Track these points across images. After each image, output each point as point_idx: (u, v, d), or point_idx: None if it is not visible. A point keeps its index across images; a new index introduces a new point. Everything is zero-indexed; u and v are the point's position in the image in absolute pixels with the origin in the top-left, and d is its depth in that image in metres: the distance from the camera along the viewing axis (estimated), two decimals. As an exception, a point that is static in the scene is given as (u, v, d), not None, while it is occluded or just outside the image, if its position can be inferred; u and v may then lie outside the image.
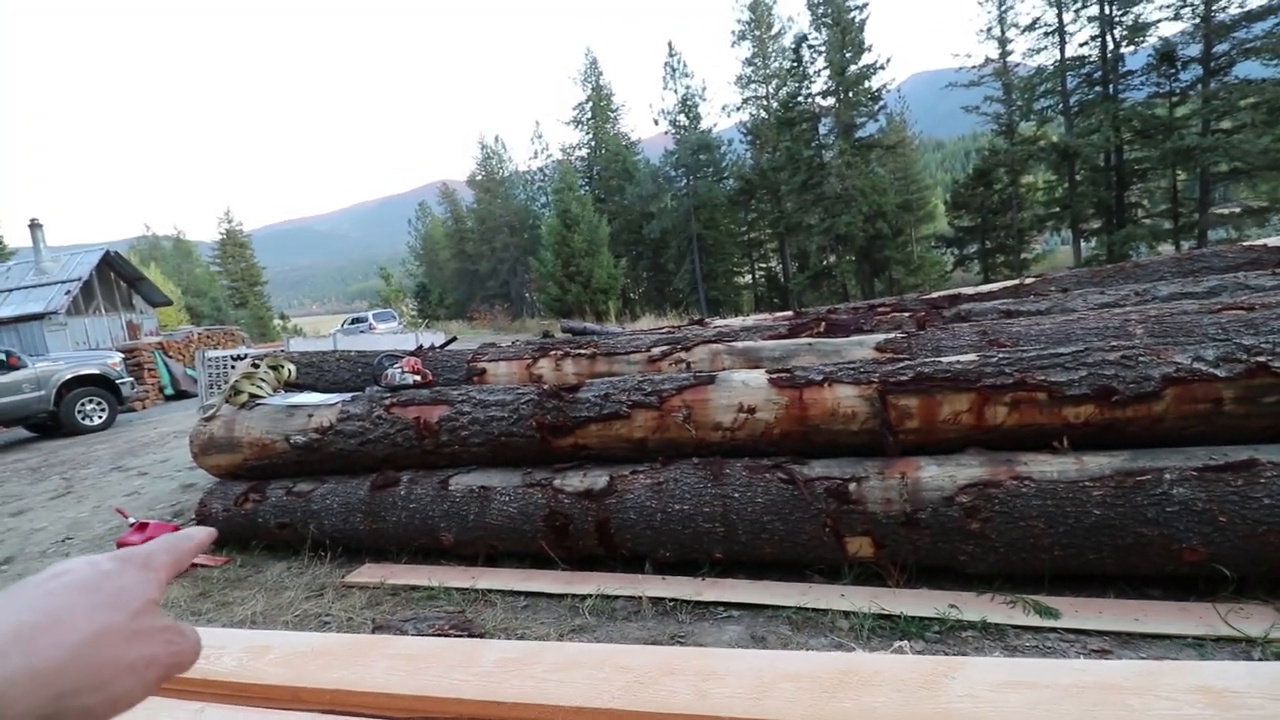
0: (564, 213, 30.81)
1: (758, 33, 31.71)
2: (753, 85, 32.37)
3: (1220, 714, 1.02)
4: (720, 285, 34.12)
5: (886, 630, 2.33)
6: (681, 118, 33.72)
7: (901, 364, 2.90)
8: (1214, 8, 18.84)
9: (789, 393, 2.95)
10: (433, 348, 5.64)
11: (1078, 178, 20.99)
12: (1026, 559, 2.41)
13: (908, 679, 0.69)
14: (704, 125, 33.86)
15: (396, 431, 3.57)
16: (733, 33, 32.39)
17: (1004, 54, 23.55)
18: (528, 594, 2.91)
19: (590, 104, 38.11)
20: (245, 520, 3.82)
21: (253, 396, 4.17)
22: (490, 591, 2.95)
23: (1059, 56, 21.84)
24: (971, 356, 2.80)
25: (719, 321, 6.72)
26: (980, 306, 4.46)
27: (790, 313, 6.65)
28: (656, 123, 35.08)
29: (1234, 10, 18.66)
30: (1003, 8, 23.46)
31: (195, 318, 38.59)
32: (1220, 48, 18.81)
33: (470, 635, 2.49)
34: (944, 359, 2.86)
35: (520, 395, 3.42)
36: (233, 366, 6.81)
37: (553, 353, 4.48)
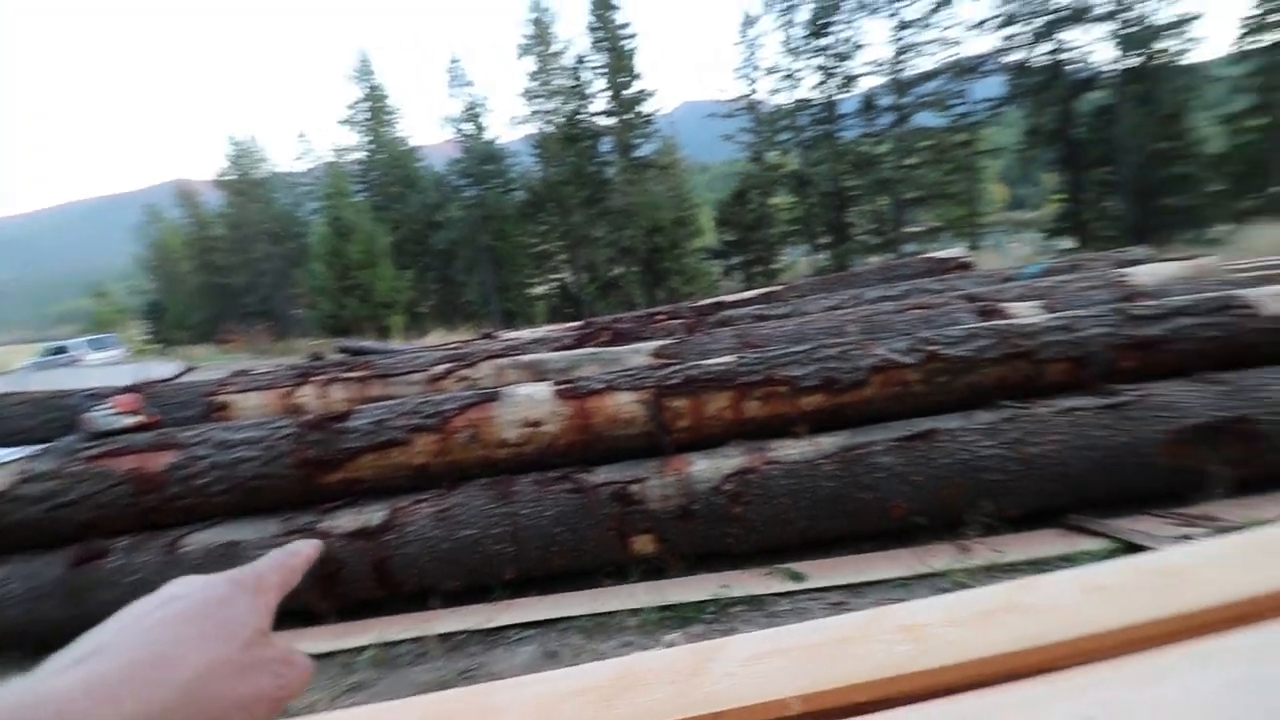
0: (336, 220, 27.98)
1: (541, 49, 32.12)
2: (538, 100, 32.69)
3: (917, 645, 1.25)
4: (514, 297, 33.78)
5: (671, 620, 2.48)
6: (468, 125, 32.77)
7: (674, 368, 3.13)
8: (899, 68, 23.72)
9: (574, 403, 3.00)
10: (161, 381, 4.70)
11: (812, 200, 24.91)
12: (780, 533, 2.75)
13: (678, 670, 0.73)
14: (493, 135, 33.32)
15: (105, 489, 2.90)
16: (518, 46, 32.40)
17: (753, 92, 26.97)
18: (293, 656, 2.55)
19: (368, 104, 35.19)
20: None
21: None
22: (244, 662, 2.53)
23: (793, 98, 25.69)
24: (730, 358, 3.13)
25: (509, 334, 6.63)
26: (738, 312, 5.01)
27: (580, 323, 6.82)
28: (443, 129, 33.66)
29: (912, 72, 23.69)
30: (750, 52, 26.86)
31: None
32: (905, 100, 23.73)
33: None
34: (708, 361, 3.16)
35: (276, 429, 3.01)
36: None
37: (317, 378, 4.01)
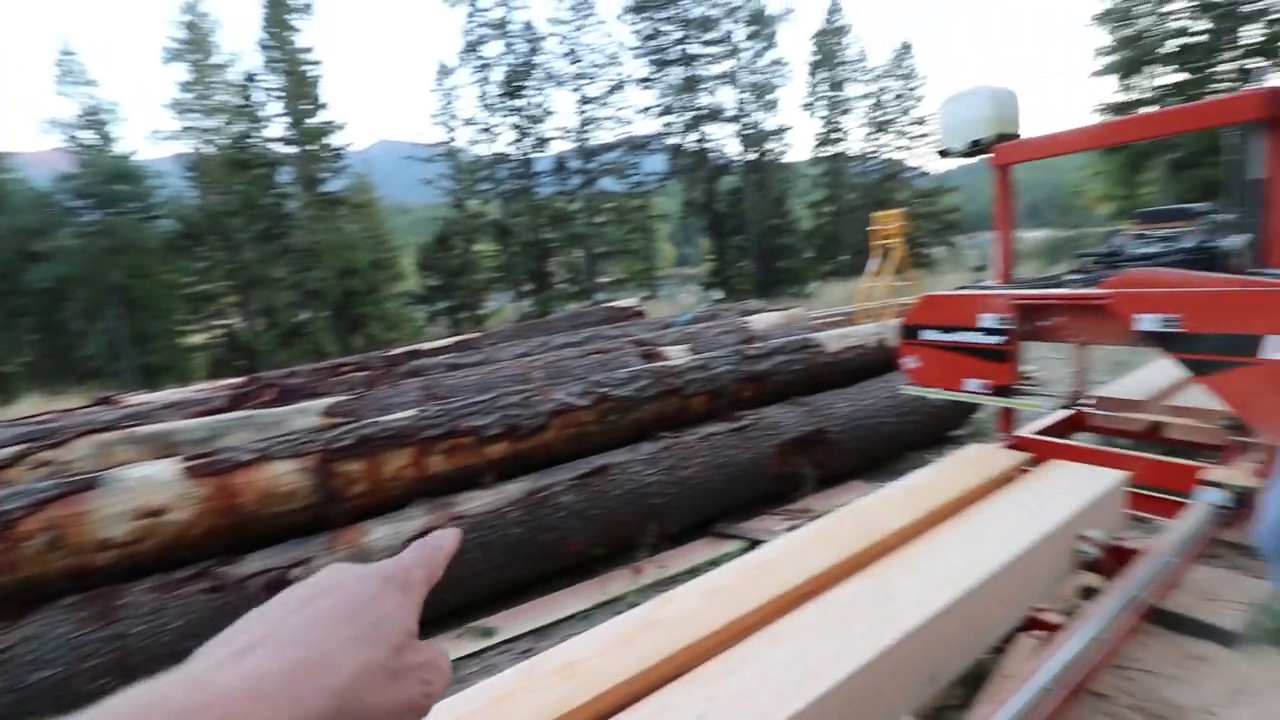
0: None
1: (197, 57, 27.07)
2: (193, 115, 27.32)
3: (573, 683, 1.31)
4: (160, 348, 27.03)
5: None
6: (88, 134, 25.54)
7: (346, 428, 2.85)
8: (584, 136, 26.40)
9: (212, 481, 2.51)
10: None
11: (514, 250, 25.82)
12: (470, 589, 2.68)
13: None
14: (126, 149, 26.52)
15: None
16: (165, 49, 26.67)
17: (451, 139, 26.98)
18: None
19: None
20: None
21: None
22: None
23: (491, 151, 26.48)
24: (412, 411, 2.99)
25: (138, 398, 5.33)
26: (432, 361, 4.85)
27: (243, 380, 5.80)
28: (47, 134, 25.55)
29: (595, 142, 26.59)
30: (448, 100, 26.92)
31: None
32: (591, 165, 26.42)
33: None
34: (387, 417, 2.96)
35: None
36: None
37: None
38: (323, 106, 26.04)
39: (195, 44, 27.49)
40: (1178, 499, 2.23)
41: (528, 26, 25.57)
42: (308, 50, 25.91)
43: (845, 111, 29.42)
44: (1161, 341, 1.98)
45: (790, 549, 1.79)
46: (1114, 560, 1.87)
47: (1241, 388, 1.87)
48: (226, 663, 0.27)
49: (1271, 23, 19.36)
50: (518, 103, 26.16)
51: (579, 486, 2.91)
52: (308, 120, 25.67)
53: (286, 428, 3.21)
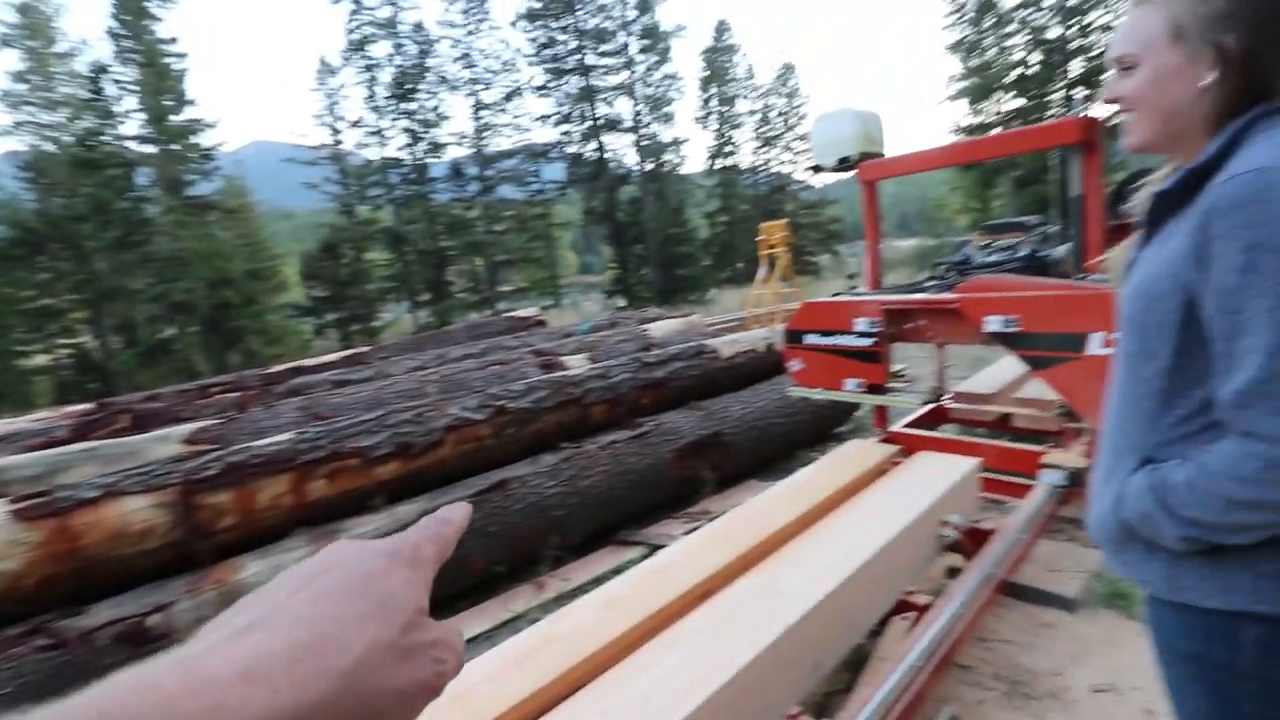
0: None
1: (34, 44, 23.77)
2: (29, 109, 23.95)
3: (464, 711, 1.26)
4: (-12, 373, 23.46)
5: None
6: None
7: (211, 456, 2.60)
8: (481, 142, 25.79)
9: (47, 524, 2.21)
10: None
11: (409, 258, 24.73)
12: (359, 621, 2.52)
13: None
14: None
15: None
16: None
17: (337, 141, 25.45)
18: None
19: None
20: None
21: None
22: None
23: (382, 154, 25.24)
24: (289, 435, 2.78)
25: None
26: (316, 378, 4.54)
27: (92, 405, 5.15)
28: None
29: (493, 148, 26.05)
30: (331, 101, 25.36)
31: None
32: (489, 172, 25.86)
33: None
34: (261, 442, 2.74)
35: None
36: None
37: None
38: (189, 103, 23.77)
39: (32, 29, 24.26)
40: (1025, 481, 2.50)
41: (418, 28, 24.69)
42: (170, 41, 23.59)
43: (736, 126, 30.74)
44: (1005, 340, 2.22)
45: (685, 552, 1.83)
46: (972, 541, 2.07)
47: (1070, 379, 2.13)
48: (221, 645, 0.24)
49: (1091, 58, 22.37)
50: (410, 106, 25.16)
51: (478, 503, 2.82)
52: (171, 117, 23.34)
53: (141, 459, 2.88)
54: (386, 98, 25.12)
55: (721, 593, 1.62)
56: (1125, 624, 2.14)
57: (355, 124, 25.35)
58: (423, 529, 0.33)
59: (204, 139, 24.15)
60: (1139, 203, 0.97)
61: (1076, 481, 2.30)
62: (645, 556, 3.03)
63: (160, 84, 22.97)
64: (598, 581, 2.83)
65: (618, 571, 2.90)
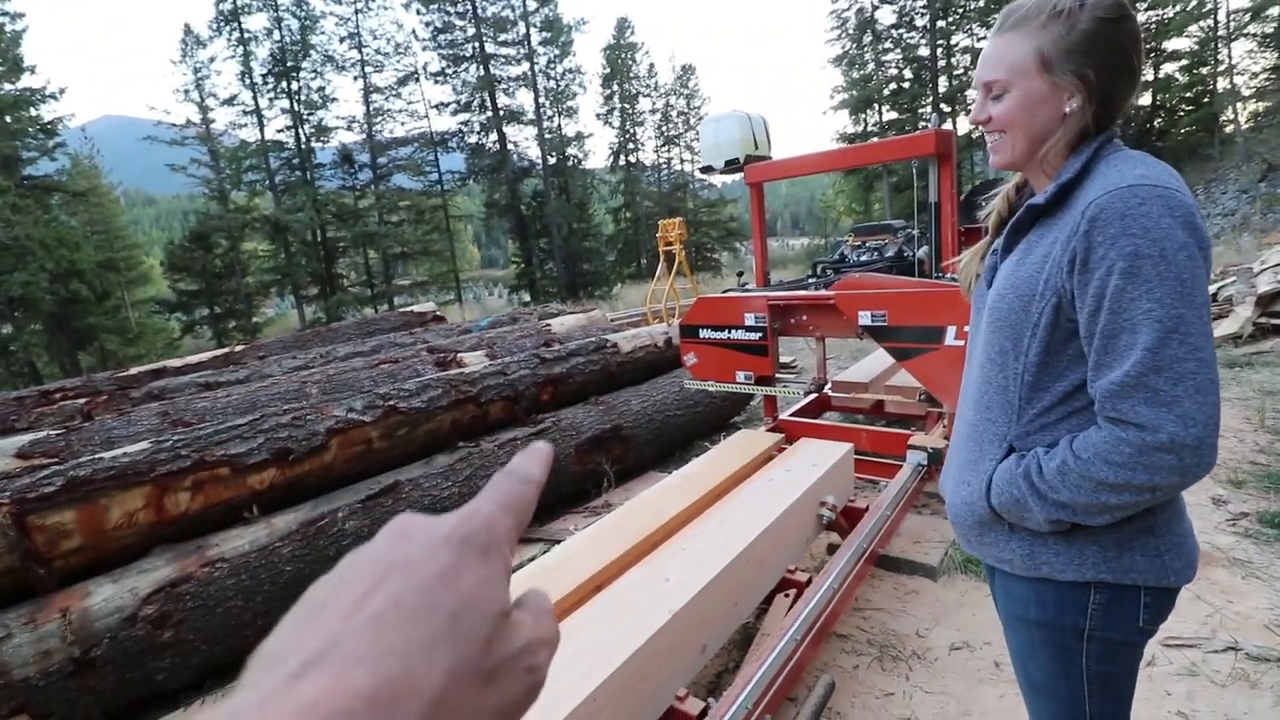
0: None
1: None
2: None
3: None
4: None
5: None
6: None
7: (49, 471, 2.31)
8: (373, 129, 24.36)
9: None
10: None
11: (292, 249, 22.95)
12: (233, 644, 2.33)
13: None
14: None
15: None
16: None
17: (206, 120, 23.11)
18: None
19: None
20: None
21: None
22: None
23: (260, 136, 23.21)
24: (144, 445, 2.52)
25: None
26: (179, 381, 4.14)
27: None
28: None
29: (386, 135, 24.67)
30: (199, 75, 22.97)
31: None
32: (382, 160, 24.49)
33: None
34: (110, 453, 2.46)
35: None
36: None
37: None
38: (29, 70, 20.79)
39: None
40: (894, 462, 2.73)
41: (299, 2, 22.91)
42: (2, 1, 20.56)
43: (638, 124, 31.06)
44: (875, 334, 2.41)
45: (581, 546, 1.85)
46: (847, 519, 2.23)
47: (929, 368, 2.35)
48: (278, 691, 0.20)
49: (955, 77, 24.59)
50: (292, 85, 23.32)
51: (366, 509, 2.69)
52: (6, 85, 20.35)
53: (-44, 477, 2.50)
54: (264, 75, 23.14)
55: (615, 582, 1.65)
56: (977, 587, 2.39)
57: (228, 102, 23.17)
58: (496, 494, 0.27)
59: (44, 111, 21.16)
60: (990, 212, 1.08)
61: (937, 460, 2.54)
62: (545, 553, 3.03)
63: (-13, 48, 19.88)
64: (497, 581, 2.79)
65: (518, 568, 2.88)
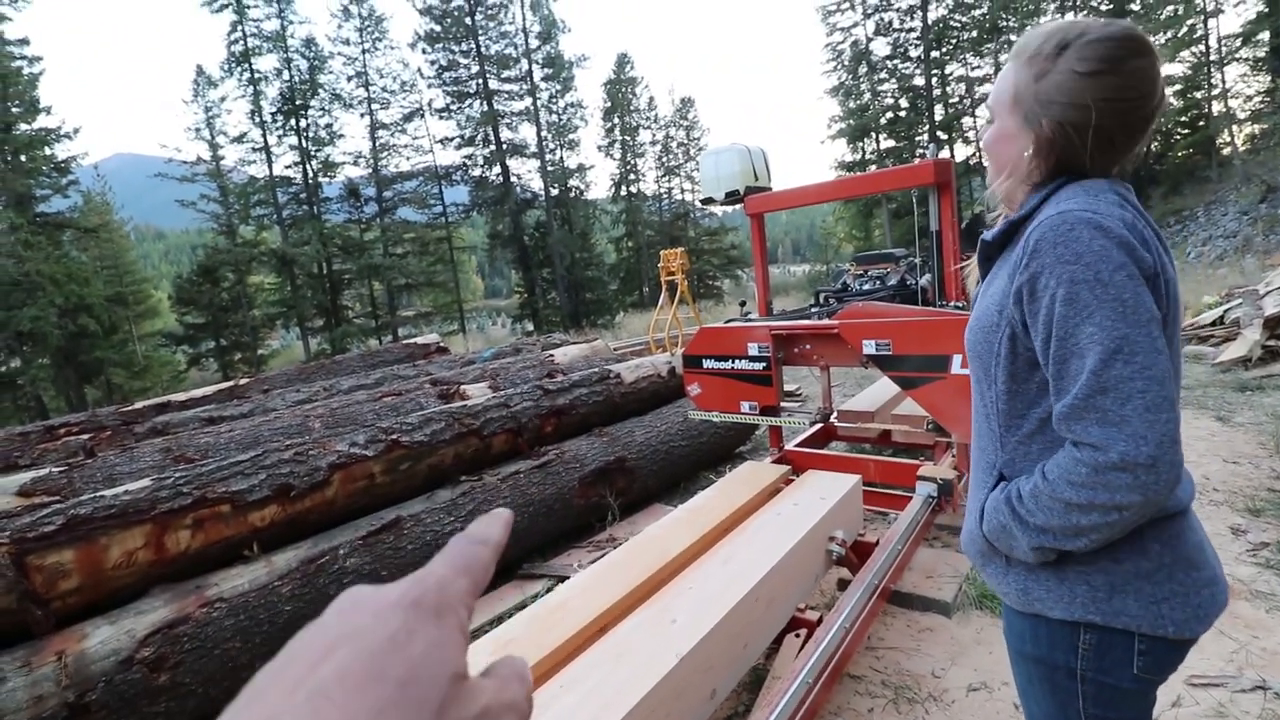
0: None
1: None
2: None
3: None
4: None
5: None
6: None
7: (50, 509, 2.29)
8: (379, 163, 24.82)
9: None
10: None
11: (298, 282, 23.18)
12: (229, 687, 2.28)
13: None
14: None
15: None
16: None
17: (216, 157, 23.58)
18: None
19: None
20: None
21: None
22: None
23: (269, 172, 23.66)
24: (146, 482, 2.50)
25: None
26: (183, 416, 4.13)
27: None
28: None
29: (392, 170, 25.12)
30: (210, 114, 23.53)
31: None
32: (388, 194, 24.89)
33: None
34: (112, 491, 2.44)
35: None
36: None
37: None
38: (43, 110, 21.37)
39: None
40: (903, 493, 2.69)
41: (309, 43, 23.56)
42: (22, 43, 21.21)
43: (639, 155, 31.58)
44: (880, 362, 2.39)
45: (582, 586, 1.80)
46: (857, 554, 2.18)
47: (936, 397, 2.32)
48: None
49: (950, 106, 25.00)
50: (300, 122, 23.84)
51: (367, 546, 2.66)
52: (23, 125, 20.89)
53: (-45, 518, 2.48)
54: (273, 113, 23.67)
55: (619, 626, 1.61)
56: (994, 624, 2.33)
57: (238, 139, 23.67)
58: (450, 556, 0.27)
59: (59, 150, 21.67)
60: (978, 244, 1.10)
61: (947, 492, 2.50)
62: (550, 590, 2.97)
63: (5, 90, 20.45)
64: (499, 621, 2.73)
65: (521, 607, 2.82)
